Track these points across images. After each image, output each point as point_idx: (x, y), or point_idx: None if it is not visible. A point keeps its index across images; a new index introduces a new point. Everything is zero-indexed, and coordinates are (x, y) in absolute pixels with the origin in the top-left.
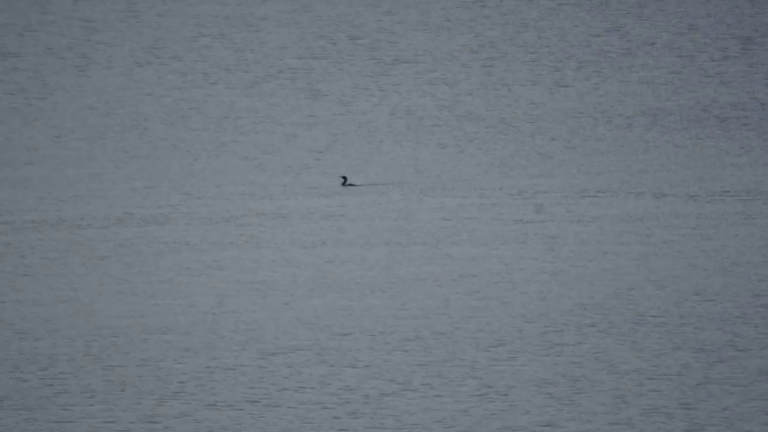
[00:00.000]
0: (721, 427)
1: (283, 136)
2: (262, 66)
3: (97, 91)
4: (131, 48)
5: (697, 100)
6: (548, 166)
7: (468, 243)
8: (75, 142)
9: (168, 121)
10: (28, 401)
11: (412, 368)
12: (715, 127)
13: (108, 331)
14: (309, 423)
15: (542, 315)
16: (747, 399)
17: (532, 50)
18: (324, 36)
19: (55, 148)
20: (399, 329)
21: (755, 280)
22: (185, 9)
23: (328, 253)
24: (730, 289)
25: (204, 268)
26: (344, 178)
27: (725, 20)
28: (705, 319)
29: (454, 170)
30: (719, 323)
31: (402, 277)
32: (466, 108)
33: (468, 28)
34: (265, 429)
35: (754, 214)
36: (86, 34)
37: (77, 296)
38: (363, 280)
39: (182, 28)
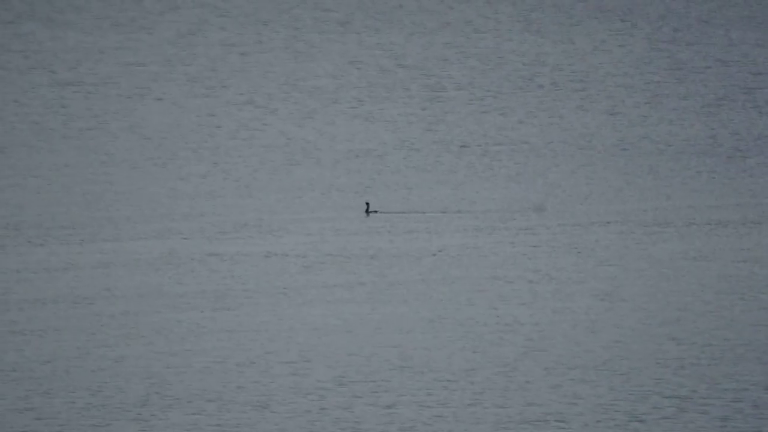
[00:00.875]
0: None
1: (330, 166)
2: (313, 94)
3: (148, 120)
4: (184, 77)
5: (750, 130)
6: (601, 195)
7: (524, 273)
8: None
9: (218, 150)
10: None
11: (472, 399)
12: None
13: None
14: None
15: (605, 347)
16: None
17: (583, 78)
18: (374, 64)
19: (108, 172)
20: (453, 365)
21: None
22: (231, 38)
23: (372, 290)
24: None
25: (266, 299)
26: (367, 204)
27: None
28: None
29: (503, 199)
30: None
31: (458, 310)
32: (517, 136)
33: (519, 56)
34: None
35: None
36: (137, 65)
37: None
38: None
39: (230, 56)
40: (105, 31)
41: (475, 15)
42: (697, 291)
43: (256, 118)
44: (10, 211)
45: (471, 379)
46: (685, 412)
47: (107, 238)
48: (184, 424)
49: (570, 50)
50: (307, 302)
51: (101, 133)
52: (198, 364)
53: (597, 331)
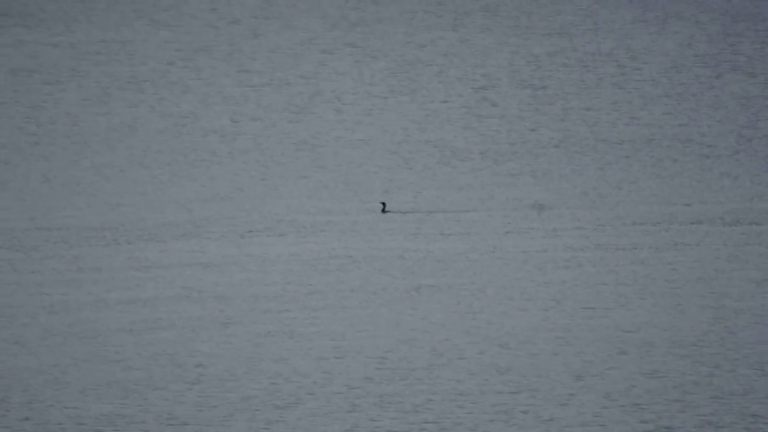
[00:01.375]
0: None
1: (360, 163)
2: (340, 91)
3: (171, 119)
4: (212, 74)
5: None
6: (632, 194)
7: (554, 274)
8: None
9: (245, 149)
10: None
11: (505, 400)
12: None
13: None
14: None
15: (637, 347)
16: None
17: (611, 76)
18: (404, 61)
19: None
20: (484, 364)
21: None
22: (262, 35)
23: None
24: None
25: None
26: (383, 204)
27: None
28: None
29: (527, 197)
30: None
31: (492, 306)
32: (544, 134)
33: (548, 51)
34: None
35: None
36: (165, 62)
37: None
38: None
39: (258, 53)
40: (135, 27)
41: (506, 12)
42: (731, 293)
43: (282, 117)
44: (35, 213)
45: (504, 378)
46: (716, 415)
47: (140, 239)
48: (218, 418)
49: (596, 49)
50: (336, 303)
51: (126, 132)
52: (231, 362)
53: (629, 331)
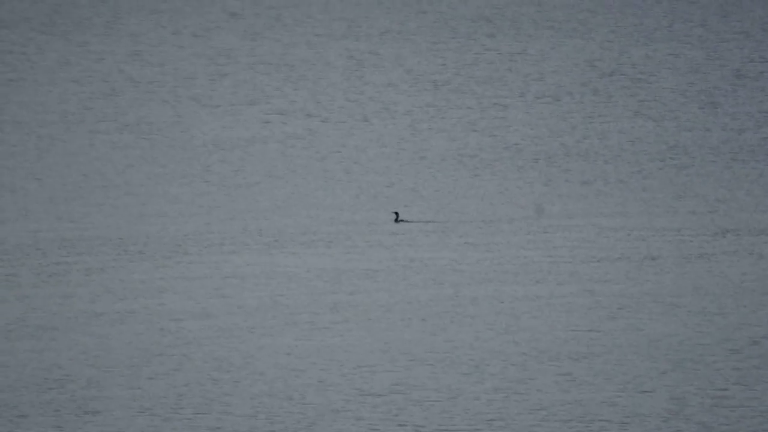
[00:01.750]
0: None
1: (382, 173)
2: (364, 102)
3: (191, 127)
4: (232, 90)
5: None
6: (654, 203)
7: (577, 281)
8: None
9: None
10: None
11: (527, 408)
12: None
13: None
14: None
15: (663, 356)
16: None
17: (634, 84)
18: (428, 71)
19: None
20: (509, 374)
21: None
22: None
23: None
24: None
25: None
26: (396, 213)
27: None
28: None
29: (551, 206)
30: None
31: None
32: (567, 142)
33: (571, 60)
34: None
35: None
36: (188, 73)
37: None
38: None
39: (282, 65)
40: (162, 35)
41: (528, 21)
42: (757, 302)
43: (306, 127)
44: (59, 225)
45: (528, 386)
46: (743, 421)
47: (164, 251)
48: (243, 429)
49: (620, 56)
50: (362, 313)
51: (149, 143)
52: (256, 373)
53: (655, 340)
